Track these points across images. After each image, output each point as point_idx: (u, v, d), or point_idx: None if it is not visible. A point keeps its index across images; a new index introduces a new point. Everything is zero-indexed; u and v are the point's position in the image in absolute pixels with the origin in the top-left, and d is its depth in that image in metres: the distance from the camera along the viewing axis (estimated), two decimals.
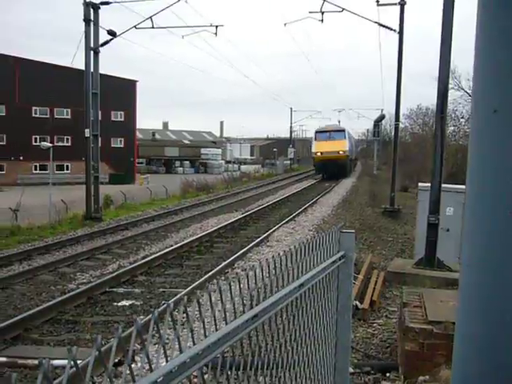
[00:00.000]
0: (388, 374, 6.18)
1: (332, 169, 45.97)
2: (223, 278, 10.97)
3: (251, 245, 14.30)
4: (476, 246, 1.25)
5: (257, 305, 1.96)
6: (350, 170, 54.94)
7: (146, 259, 12.73)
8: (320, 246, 2.91)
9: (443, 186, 10.63)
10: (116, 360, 5.50)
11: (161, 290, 10.34)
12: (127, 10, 56.25)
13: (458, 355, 1.30)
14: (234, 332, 1.70)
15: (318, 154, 47.86)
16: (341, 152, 46.97)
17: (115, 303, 9.43)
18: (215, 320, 1.62)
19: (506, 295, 1.18)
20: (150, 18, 21.18)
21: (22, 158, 57.01)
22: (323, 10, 22.15)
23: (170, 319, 1.29)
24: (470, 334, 1.23)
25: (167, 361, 1.32)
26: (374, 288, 9.40)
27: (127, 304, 9.30)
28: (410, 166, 42.31)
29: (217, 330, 1.60)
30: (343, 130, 50.84)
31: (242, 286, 1.86)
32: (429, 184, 10.91)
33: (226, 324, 1.68)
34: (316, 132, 51.43)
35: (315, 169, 52.61)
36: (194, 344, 1.48)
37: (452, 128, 36.03)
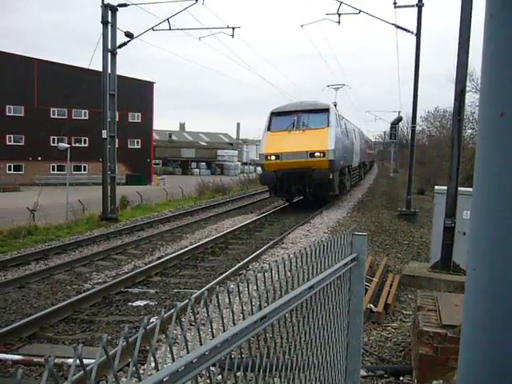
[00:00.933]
0: (402, 378, 6.15)
1: (300, 186, 23.78)
2: (237, 279, 10.98)
3: (266, 246, 14.31)
4: (481, 251, 1.24)
5: (265, 306, 1.96)
6: (342, 187, 27.86)
7: (161, 260, 12.79)
8: (332, 249, 2.91)
9: (460, 189, 10.55)
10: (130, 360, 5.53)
11: (175, 290, 10.38)
12: (144, 11, 56.50)
13: (463, 359, 1.30)
14: (241, 333, 1.70)
15: (272, 157, 23.55)
16: (318, 154, 23.13)
17: (130, 303, 9.48)
18: (223, 321, 1.63)
19: (511, 300, 1.17)
20: (167, 19, 21.32)
21: (40, 158, 57.69)
22: (340, 12, 22.14)
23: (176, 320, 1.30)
24: (475, 338, 1.23)
25: (174, 360, 1.34)
26: (389, 291, 9.35)
27: (142, 304, 9.34)
28: (426, 168, 42.08)
29: (224, 330, 1.61)
30: (326, 110, 24.80)
31: (251, 287, 1.87)
32: (445, 187, 10.83)
33: (234, 325, 1.69)
34: (271, 115, 24.98)
35: (268, 187, 26.11)
36: (201, 344, 1.49)
37: (470, 131, 35.72)
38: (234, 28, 22.62)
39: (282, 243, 15.30)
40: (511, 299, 1.18)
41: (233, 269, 11.56)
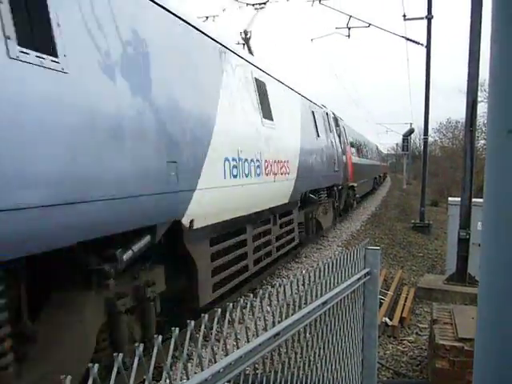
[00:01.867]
0: None
1: None
2: (251, 295, 10.95)
3: (280, 261, 14.26)
4: (493, 264, 1.25)
5: (279, 322, 1.97)
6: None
7: None
8: (345, 263, 2.91)
9: (474, 200, 10.47)
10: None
11: None
12: None
13: (478, 372, 1.30)
14: (256, 350, 1.71)
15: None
16: None
17: None
18: (236, 338, 1.64)
19: None
20: None
21: None
22: (350, 26, 22.24)
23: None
24: (488, 351, 1.23)
25: (188, 378, 1.35)
26: (404, 304, 9.28)
27: None
28: (440, 180, 41.86)
29: (238, 347, 1.62)
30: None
31: (264, 303, 1.88)
32: (459, 198, 10.76)
33: (248, 341, 1.70)
34: None
35: None
36: (216, 361, 1.50)
37: (482, 142, 35.52)
38: (244, 44, 22.75)
39: (296, 257, 15.25)
40: None
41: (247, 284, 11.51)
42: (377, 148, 48.38)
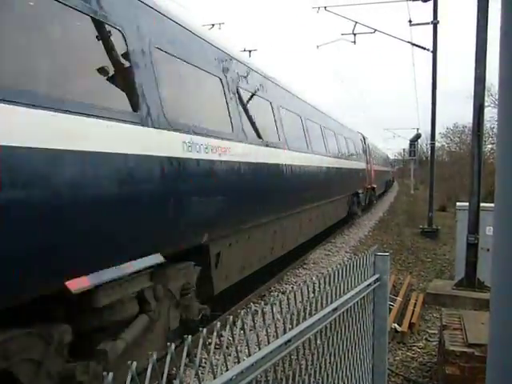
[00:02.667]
0: None
1: None
2: (261, 302, 10.94)
3: (288, 267, 14.24)
4: (505, 268, 1.24)
5: (290, 329, 1.97)
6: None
7: None
8: (354, 270, 2.91)
9: (482, 205, 10.43)
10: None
11: None
12: None
13: (490, 378, 1.29)
14: (267, 357, 1.72)
15: None
16: None
17: None
18: (248, 345, 1.64)
19: None
20: None
21: None
22: (355, 32, 22.29)
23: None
24: (501, 357, 1.23)
25: None
26: (414, 310, 9.25)
27: None
28: (447, 185, 41.67)
29: (250, 355, 1.62)
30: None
31: (275, 310, 1.88)
32: (467, 203, 10.72)
33: (259, 349, 1.71)
34: None
35: None
36: (228, 369, 1.51)
37: (490, 146, 35.40)
38: (250, 51, 22.87)
39: (304, 263, 15.22)
40: None
41: (255, 291, 11.52)
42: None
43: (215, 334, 1.46)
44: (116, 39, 4.87)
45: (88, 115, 4.21)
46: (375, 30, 22.25)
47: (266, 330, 1.78)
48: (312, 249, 17.55)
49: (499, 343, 1.22)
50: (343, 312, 2.63)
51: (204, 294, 7.01)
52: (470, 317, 6.68)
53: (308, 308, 2.22)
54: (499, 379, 1.24)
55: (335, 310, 2.46)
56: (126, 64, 5.02)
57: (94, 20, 4.54)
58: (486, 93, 10.89)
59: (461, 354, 5.45)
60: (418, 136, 47.59)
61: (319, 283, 2.29)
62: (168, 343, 1.27)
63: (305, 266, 14.86)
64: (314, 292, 2.26)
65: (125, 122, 4.72)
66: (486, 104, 11.94)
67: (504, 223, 1.26)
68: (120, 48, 4.94)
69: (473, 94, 10.48)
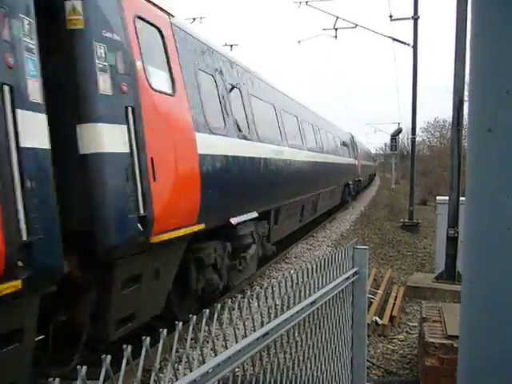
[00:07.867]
0: None
1: None
2: (238, 297, 10.95)
3: (270, 262, 14.27)
4: (475, 262, 1.27)
5: (268, 323, 1.98)
6: None
7: None
8: (333, 263, 2.93)
9: (462, 198, 10.51)
10: None
11: None
12: None
13: (463, 368, 1.32)
14: (244, 350, 1.72)
15: None
16: None
17: None
18: (225, 339, 1.65)
19: (505, 309, 1.19)
20: None
21: None
22: (336, 27, 22.35)
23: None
24: (472, 347, 1.25)
25: (177, 379, 1.36)
26: (394, 303, 9.33)
27: None
28: (428, 179, 42.06)
29: (227, 348, 1.63)
30: None
31: (252, 304, 1.89)
32: (447, 197, 10.82)
33: (236, 342, 1.71)
34: None
35: None
36: (204, 362, 1.52)
37: None
38: (232, 46, 22.82)
39: (286, 258, 15.27)
40: (505, 308, 1.20)
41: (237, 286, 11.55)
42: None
43: (191, 327, 1.47)
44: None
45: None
46: (356, 24, 22.35)
47: (244, 324, 1.79)
48: (294, 243, 17.62)
49: (470, 332, 1.25)
50: (322, 305, 2.65)
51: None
52: (449, 309, 6.76)
53: (286, 302, 2.23)
54: (470, 366, 1.26)
55: (314, 302, 2.47)
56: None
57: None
58: (465, 88, 10.98)
59: (440, 346, 5.52)
60: (399, 130, 47.89)
61: (297, 276, 2.31)
62: (143, 337, 1.28)
63: (287, 261, 14.90)
64: (292, 286, 2.27)
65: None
66: (465, 99, 12.04)
67: (474, 215, 1.28)
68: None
69: (452, 88, 10.56)
